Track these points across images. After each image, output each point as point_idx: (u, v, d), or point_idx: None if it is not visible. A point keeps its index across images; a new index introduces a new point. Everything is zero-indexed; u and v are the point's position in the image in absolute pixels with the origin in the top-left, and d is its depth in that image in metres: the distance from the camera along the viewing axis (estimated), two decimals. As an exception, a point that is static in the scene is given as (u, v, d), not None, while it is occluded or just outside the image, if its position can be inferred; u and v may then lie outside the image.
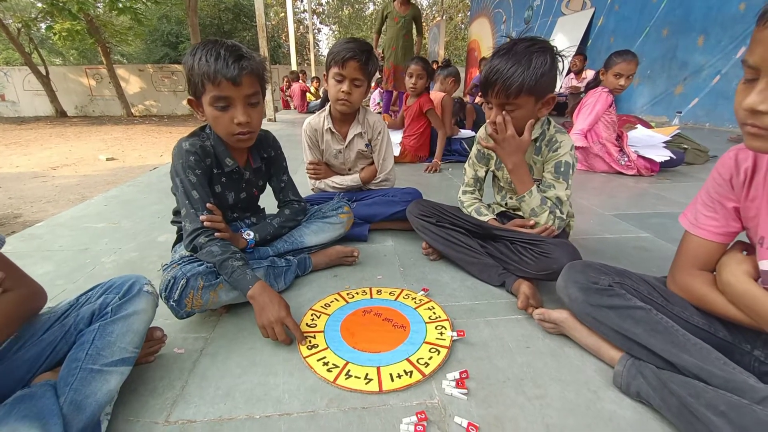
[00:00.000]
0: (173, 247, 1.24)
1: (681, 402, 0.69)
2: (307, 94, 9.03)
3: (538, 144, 1.25)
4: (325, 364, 0.89)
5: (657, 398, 0.74)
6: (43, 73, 13.28)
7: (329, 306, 1.13)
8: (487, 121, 1.22)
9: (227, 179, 1.18)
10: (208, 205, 1.07)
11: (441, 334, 0.99)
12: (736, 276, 0.73)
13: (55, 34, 11.69)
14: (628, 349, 0.82)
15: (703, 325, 0.80)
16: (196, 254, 1.05)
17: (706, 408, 0.65)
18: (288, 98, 9.70)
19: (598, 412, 0.76)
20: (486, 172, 1.43)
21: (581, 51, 7.08)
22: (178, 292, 0.94)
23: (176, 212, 1.18)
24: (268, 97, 6.96)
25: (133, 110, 14.25)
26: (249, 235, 1.20)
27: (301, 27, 20.89)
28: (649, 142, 2.91)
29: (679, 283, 0.84)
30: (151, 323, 0.83)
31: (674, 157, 2.75)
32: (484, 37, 12.23)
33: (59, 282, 1.30)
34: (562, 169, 1.20)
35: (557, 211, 1.20)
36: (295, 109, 9.30)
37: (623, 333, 0.81)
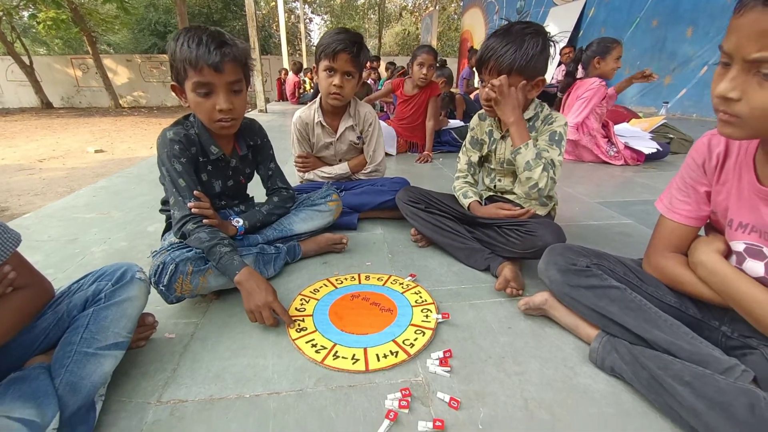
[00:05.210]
0: (162, 235, 1.25)
1: (650, 374, 0.72)
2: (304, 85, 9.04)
3: (531, 123, 1.27)
4: (314, 345, 0.92)
5: (629, 372, 0.77)
6: (27, 63, 12.94)
7: (318, 291, 1.15)
8: (481, 96, 1.24)
9: (213, 167, 1.19)
10: (195, 192, 1.08)
11: (426, 316, 1.02)
12: (708, 255, 0.77)
13: (39, 23, 11.36)
14: (604, 326, 0.86)
15: (675, 303, 0.84)
16: (185, 241, 1.06)
17: (673, 379, 0.69)
18: (284, 88, 9.68)
19: (574, 386, 0.80)
20: (480, 158, 1.44)
21: (571, 42, 7.10)
22: (167, 276, 0.96)
23: (164, 202, 1.19)
24: (259, 88, 6.85)
25: (121, 101, 13.97)
26: (238, 222, 1.21)
27: (293, 16, 20.58)
28: (636, 134, 2.95)
29: (654, 264, 0.87)
30: (143, 309, 0.85)
31: (660, 149, 2.80)
32: (476, 28, 12.18)
33: (49, 271, 1.30)
34: (557, 138, 1.23)
35: (551, 171, 1.18)
36: (287, 100, 9.29)
37: (599, 311, 0.84)
